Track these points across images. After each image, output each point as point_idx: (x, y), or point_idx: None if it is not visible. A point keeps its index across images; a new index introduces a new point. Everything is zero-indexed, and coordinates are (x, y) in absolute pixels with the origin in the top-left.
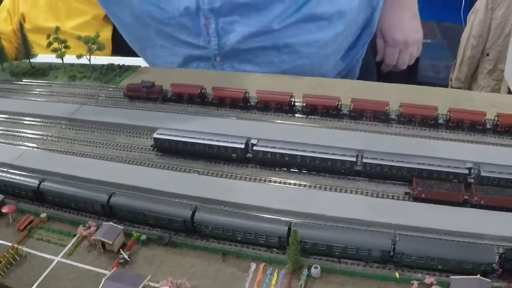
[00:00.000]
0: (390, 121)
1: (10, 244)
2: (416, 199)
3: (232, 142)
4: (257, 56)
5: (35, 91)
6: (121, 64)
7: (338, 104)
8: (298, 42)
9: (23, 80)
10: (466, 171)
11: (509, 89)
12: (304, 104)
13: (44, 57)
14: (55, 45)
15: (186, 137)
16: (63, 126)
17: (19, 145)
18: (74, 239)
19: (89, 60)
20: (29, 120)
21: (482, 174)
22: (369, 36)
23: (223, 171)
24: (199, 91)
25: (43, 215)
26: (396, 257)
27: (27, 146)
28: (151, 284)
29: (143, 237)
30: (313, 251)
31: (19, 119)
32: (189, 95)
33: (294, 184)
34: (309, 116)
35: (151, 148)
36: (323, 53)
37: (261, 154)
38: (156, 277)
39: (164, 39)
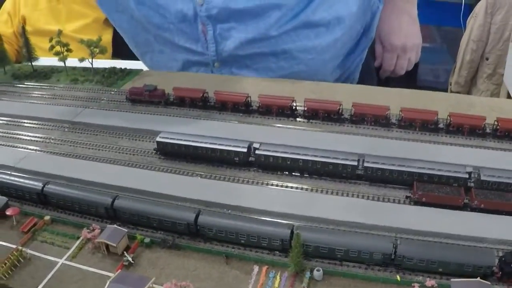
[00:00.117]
0: (390, 126)
1: (14, 246)
2: (417, 203)
3: (234, 146)
4: (255, 62)
5: (38, 94)
6: (123, 68)
7: (339, 109)
8: (296, 48)
9: (25, 83)
10: (466, 175)
11: (508, 93)
12: (305, 109)
13: (46, 60)
14: (58, 48)
15: (189, 140)
16: (66, 129)
17: (22, 148)
18: (78, 242)
19: (91, 64)
20: (32, 123)
21: (482, 178)
22: (369, 41)
23: (225, 174)
24: (201, 95)
25: (47, 217)
26: (397, 260)
27: (30, 149)
28: (155, 286)
29: (147, 239)
30: (316, 254)
31: (21, 122)
32: (191, 99)
33: (296, 188)
34: (311, 121)
35: (154, 151)
36: (321, 59)
37: (263, 158)
38: (160, 279)
39: (162, 45)
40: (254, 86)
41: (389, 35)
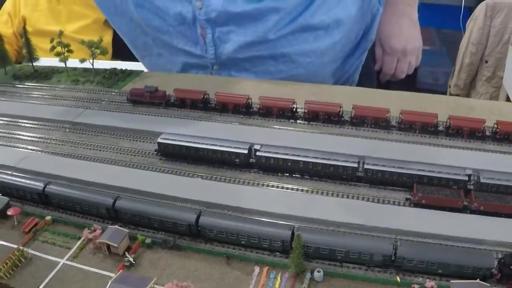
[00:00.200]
0: (391, 128)
1: (15, 246)
2: (417, 205)
3: (235, 148)
4: (254, 65)
5: (38, 94)
6: (123, 69)
7: (339, 111)
8: (294, 52)
9: (26, 84)
10: (466, 178)
11: (507, 96)
12: (306, 111)
13: (46, 61)
14: (59, 49)
15: (190, 142)
16: (67, 130)
17: (23, 148)
18: (79, 242)
19: (92, 65)
20: (33, 124)
21: (482, 180)
22: (368, 43)
23: (226, 176)
24: (202, 96)
25: (48, 217)
26: (397, 261)
27: (31, 149)
28: (157, 286)
29: (148, 240)
30: (316, 255)
31: (22, 122)
32: (192, 100)
33: (297, 189)
34: (311, 123)
35: (155, 152)
36: (320, 62)
37: (264, 159)
38: (161, 280)
39: (161, 48)
40: (254, 88)
41: (389, 38)
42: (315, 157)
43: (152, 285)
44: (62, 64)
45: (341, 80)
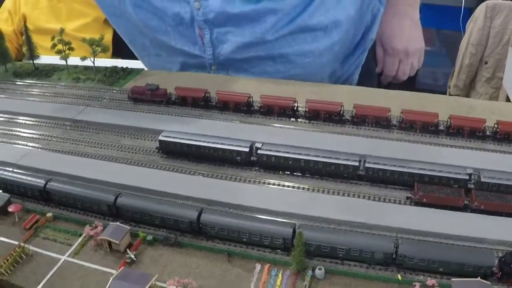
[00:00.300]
0: (391, 127)
1: (16, 243)
2: (418, 203)
3: (236, 146)
4: (252, 65)
5: (39, 92)
6: (124, 67)
7: (340, 110)
8: (293, 52)
9: (27, 81)
10: (467, 177)
11: (507, 96)
12: (306, 109)
13: (47, 59)
14: (59, 46)
15: (191, 139)
16: (68, 127)
17: (24, 145)
18: (80, 239)
19: (93, 62)
20: (33, 121)
21: (482, 180)
22: (368, 43)
23: (227, 173)
24: (203, 94)
25: (49, 214)
26: (399, 259)
27: (32, 147)
28: (158, 283)
29: (149, 237)
30: (317, 253)
31: (23, 120)
32: (193, 99)
33: (298, 188)
34: (312, 121)
35: (156, 150)
36: (318, 62)
37: (265, 157)
38: (163, 277)
39: (158, 49)
40: (255, 87)
41: (390, 39)
42: (316, 156)
43: (153, 282)
44: (63, 62)
45: (340, 80)
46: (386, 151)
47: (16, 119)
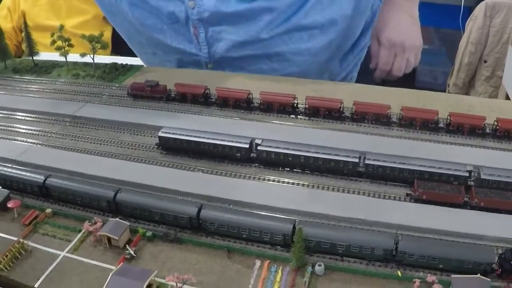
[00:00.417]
0: (391, 124)
1: (15, 238)
2: (417, 200)
3: (236, 142)
4: (248, 64)
5: (39, 88)
6: (124, 63)
7: (340, 107)
8: (289, 51)
9: (26, 77)
10: (467, 174)
11: (507, 95)
12: (306, 106)
13: (46, 55)
14: (59, 43)
15: (191, 136)
16: (67, 124)
17: (23, 141)
18: (79, 235)
19: (93, 59)
20: (33, 117)
21: (482, 177)
22: (368, 40)
23: (227, 170)
24: (203, 91)
25: (48, 210)
26: (398, 256)
27: (32, 143)
28: (157, 279)
29: (149, 233)
30: (317, 249)
31: (23, 116)
32: (193, 95)
33: (298, 184)
34: (312, 118)
35: (156, 146)
36: (315, 60)
37: (265, 154)
38: (162, 273)
39: (155, 47)
40: (255, 84)
41: (387, 31)
42: (316, 152)
43: (153, 278)
44: (62, 58)
45: (338, 77)
46: (386, 148)
47: (16, 115)
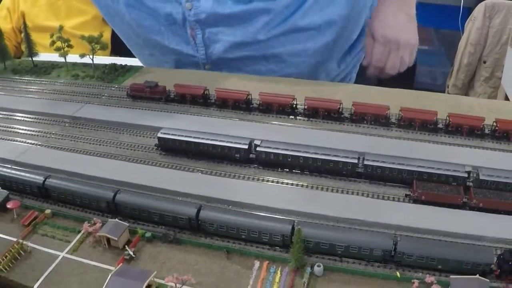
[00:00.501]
0: (390, 125)
1: (15, 239)
2: (416, 201)
3: (235, 143)
4: (245, 65)
5: (38, 89)
6: (123, 64)
7: (339, 107)
8: (286, 52)
9: (26, 78)
10: (465, 175)
11: (506, 96)
12: (305, 107)
13: (46, 56)
14: (58, 44)
15: (190, 137)
16: (66, 124)
17: (22, 142)
18: (79, 235)
19: (92, 60)
20: (33, 118)
21: (481, 177)
22: None
23: (226, 171)
24: (202, 92)
25: (47, 211)
26: (397, 256)
27: (31, 143)
28: (157, 280)
29: (148, 234)
30: (316, 250)
31: (22, 117)
32: (192, 96)
33: (297, 185)
34: (311, 119)
35: (155, 147)
36: (312, 61)
37: (264, 154)
38: (161, 273)
39: (153, 48)
40: (254, 84)
41: (382, 27)
42: (315, 153)
43: (152, 279)
44: (62, 59)
45: (337, 78)
46: (385, 148)
47: (15, 116)
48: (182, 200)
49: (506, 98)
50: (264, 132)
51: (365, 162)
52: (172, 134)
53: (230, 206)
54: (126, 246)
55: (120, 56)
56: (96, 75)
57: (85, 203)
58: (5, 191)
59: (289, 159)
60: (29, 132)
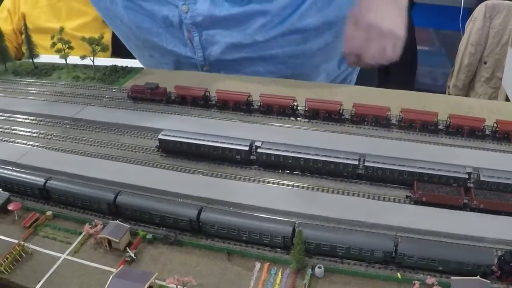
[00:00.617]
0: (391, 126)
1: (16, 241)
2: (417, 202)
3: (236, 144)
4: (243, 66)
5: (39, 90)
6: (124, 66)
7: (340, 109)
8: (284, 53)
9: (26, 80)
10: (466, 176)
11: (506, 96)
12: (306, 108)
13: (47, 58)
14: (59, 45)
15: (191, 138)
16: (67, 126)
17: (23, 144)
18: (80, 237)
19: (93, 61)
20: (33, 119)
21: (482, 178)
22: None
23: (227, 172)
24: (203, 93)
25: (48, 213)
26: (398, 258)
27: (32, 145)
28: (158, 281)
29: (149, 235)
30: (317, 252)
31: (23, 118)
32: (193, 97)
33: (297, 186)
34: (311, 120)
35: (156, 149)
36: (311, 63)
37: (265, 156)
38: (162, 275)
39: (152, 50)
40: (255, 86)
41: (367, 13)
42: (316, 155)
43: (153, 281)
44: (62, 61)
45: (338, 79)
46: (385, 150)
47: (16, 117)
48: (183, 201)
49: (507, 99)
50: (264, 133)
51: (366, 164)
52: (173, 136)
53: (231, 208)
54: (127, 248)
55: (121, 57)
56: (97, 77)
57: (86, 204)
58: (6, 193)
59: (290, 161)
60: (30, 134)
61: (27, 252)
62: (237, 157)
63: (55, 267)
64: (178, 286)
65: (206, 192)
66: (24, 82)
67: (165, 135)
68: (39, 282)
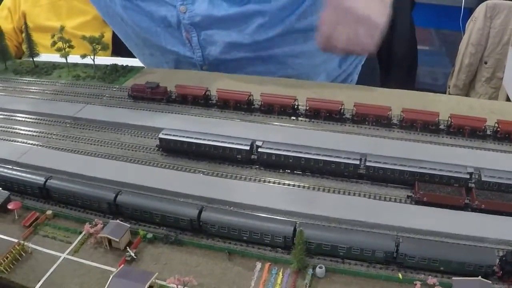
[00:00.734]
0: (392, 126)
1: (16, 240)
2: (418, 202)
3: (237, 144)
4: (242, 66)
5: (39, 89)
6: (124, 65)
7: (341, 108)
8: (283, 53)
9: (27, 79)
10: (467, 176)
11: (507, 96)
12: (307, 108)
13: (47, 56)
14: (59, 44)
15: (192, 138)
16: (68, 125)
17: (24, 142)
18: (80, 236)
19: (93, 60)
20: (34, 118)
21: (483, 179)
22: None
23: (227, 172)
24: (203, 93)
25: (49, 212)
26: (399, 258)
27: (32, 144)
28: (158, 281)
29: (149, 235)
30: (318, 251)
31: (23, 117)
32: (193, 97)
33: (298, 186)
34: (312, 120)
35: (156, 148)
36: (311, 63)
37: (266, 156)
38: (163, 275)
39: (151, 48)
40: (256, 85)
41: None
42: (317, 154)
43: (154, 280)
44: (63, 60)
45: (338, 79)
46: (386, 150)
47: (16, 116)
48: (183, 201)
49: (507, 99)
50: (265, 133)
51: (367, 163)
52: (174, 135)
53: (231, 207)
54: (127, 247)
55: (121, 56)
56: (97, 76)
57: (86, 204)
58: (6, 192)
59: (291, 160)
60: (30, 133)
61: (27, 251)
62: (238, 156)
63: (55, 266)
64: (179, 286)
65: (206, 191)
66: (24, 81)
67: (166, 134)
68: (39, 281)
